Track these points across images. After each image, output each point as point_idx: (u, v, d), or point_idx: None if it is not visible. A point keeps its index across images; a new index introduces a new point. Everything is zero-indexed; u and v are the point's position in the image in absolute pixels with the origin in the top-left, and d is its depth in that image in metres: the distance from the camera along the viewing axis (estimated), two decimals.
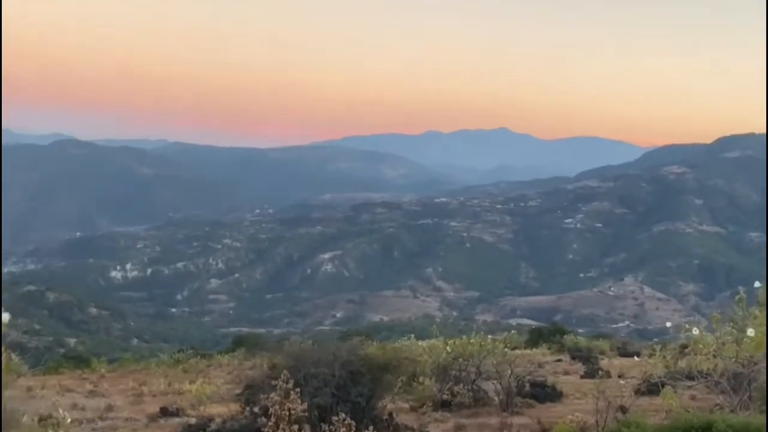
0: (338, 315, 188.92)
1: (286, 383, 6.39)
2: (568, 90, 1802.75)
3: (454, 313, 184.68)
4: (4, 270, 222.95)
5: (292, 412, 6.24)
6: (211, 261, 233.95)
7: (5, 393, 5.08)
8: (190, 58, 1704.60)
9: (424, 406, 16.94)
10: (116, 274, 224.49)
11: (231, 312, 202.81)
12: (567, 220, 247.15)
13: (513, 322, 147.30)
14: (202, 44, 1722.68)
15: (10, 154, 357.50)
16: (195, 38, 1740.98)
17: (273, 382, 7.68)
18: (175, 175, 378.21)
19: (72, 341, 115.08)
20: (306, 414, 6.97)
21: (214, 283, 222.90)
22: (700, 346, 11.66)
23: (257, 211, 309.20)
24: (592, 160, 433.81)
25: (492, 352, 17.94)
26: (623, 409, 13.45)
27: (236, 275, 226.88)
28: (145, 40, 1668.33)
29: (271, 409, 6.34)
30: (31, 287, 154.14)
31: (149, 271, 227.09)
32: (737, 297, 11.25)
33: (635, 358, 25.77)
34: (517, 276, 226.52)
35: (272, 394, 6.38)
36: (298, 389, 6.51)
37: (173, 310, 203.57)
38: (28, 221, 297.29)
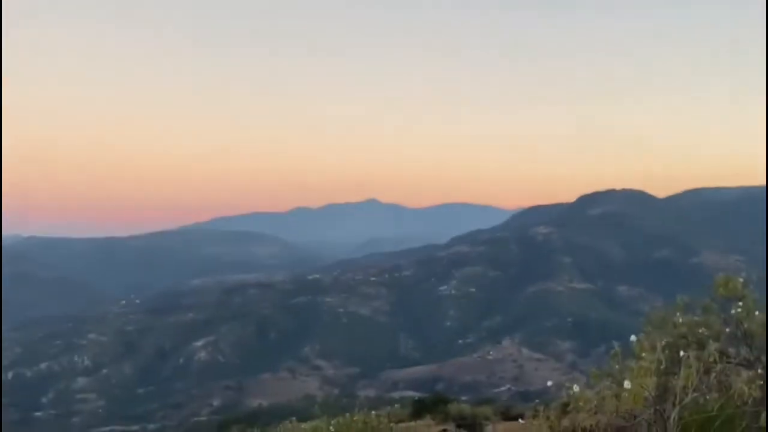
0: (215, 403, 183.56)
1: None
2: (432, 158, 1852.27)
3: (336, 391, 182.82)
4: None
5: None
6: (76, 358, 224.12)
7: None
8: (36, 142, 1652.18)
9: None
10: None
11: (101, 410, 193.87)
12: (442, 287, 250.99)
13: (396, 395, 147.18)
14: (48, 124, 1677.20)
15: None
16: (42, 117, 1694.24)
17: None
18: (30, 272, 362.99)
19: None
20: None
21: (81, 381, 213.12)
22: (581, 403, 11.74)
23: (123, 302, 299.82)
24: (462, 226, 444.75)
25: (377, 428, 17.63)
26: None
27: (104, 371, 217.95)
28: None
29: None
30: None
31: (10, 374, 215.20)
32: (612, 351, 11.43)
33: (519, 420, 25.93)
34: (396, 348, 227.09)
35: None
36: None
37: (38, 413, 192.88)
38: None
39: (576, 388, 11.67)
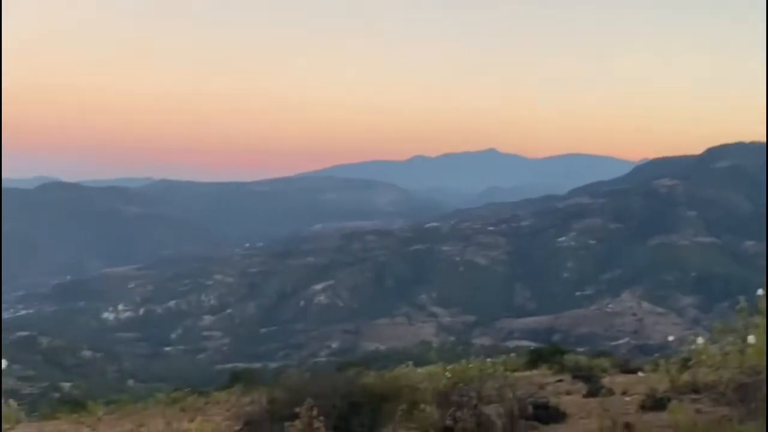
0: (334, 346, 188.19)
1: (310, 411, 6.30)
2: (554, 107, 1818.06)
3: (451, 338, 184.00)
4: None
5: None
6: (203, 297, 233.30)
7: None
8: (171, 92, 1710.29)
9: None
10: (108, 315, 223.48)
11: (225, 348, 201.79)
12: (560, 239, 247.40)
13: (511, 344, 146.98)
14: (182, 78, 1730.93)
15: None
16: (174, 69, 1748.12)
17: (297, 410, 7.53)
18: (162, 214, 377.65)
19: (67, 385, 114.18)
20: None
21: (207, 319, 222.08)
22: (704, 357, 11.51)
23: (247, 245, 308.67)
24: (582, 177, 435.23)
25: (492, 375, 17.70)
26: (629, 426, 13.24)
27: (229, 311, 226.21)
28: (125, 76, 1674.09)
29: None
30: (23, 333, 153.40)
31: (142, 311, 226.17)
32: (738, 306, 11.12)
33: (638, 374, 25.56)
34: (512, 297, 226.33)
35: (296, 422, 6.26)
36: (322, 417, 6.43)
37: (168, 348, 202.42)
38: (17, 267, 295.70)
39: (700, 341, 11.47)
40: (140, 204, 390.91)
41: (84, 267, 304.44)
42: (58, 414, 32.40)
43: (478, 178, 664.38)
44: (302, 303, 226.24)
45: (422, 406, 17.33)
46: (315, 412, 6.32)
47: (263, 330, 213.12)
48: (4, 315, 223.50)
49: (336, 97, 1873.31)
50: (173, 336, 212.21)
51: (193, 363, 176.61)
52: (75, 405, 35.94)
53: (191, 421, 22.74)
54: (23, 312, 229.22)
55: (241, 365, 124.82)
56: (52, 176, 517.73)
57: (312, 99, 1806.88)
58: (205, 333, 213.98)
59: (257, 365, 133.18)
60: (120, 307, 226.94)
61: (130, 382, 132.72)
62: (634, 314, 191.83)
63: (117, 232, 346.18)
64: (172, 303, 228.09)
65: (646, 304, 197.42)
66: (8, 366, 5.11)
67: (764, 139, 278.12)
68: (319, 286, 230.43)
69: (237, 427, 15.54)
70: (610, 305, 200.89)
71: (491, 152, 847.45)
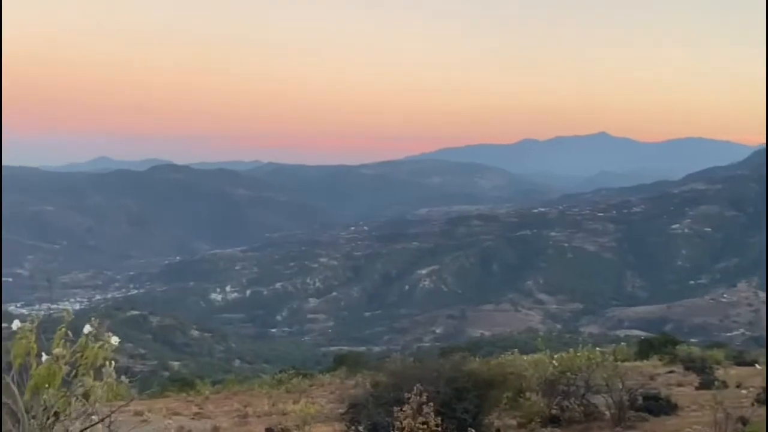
0: (438, 331, 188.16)
1: (419, 397, 6.10)
2: (668, 89, 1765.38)
3: (558, 326, 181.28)
4: (108, 295, 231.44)
5: (429, 426, 5.93)
6: (308, 280, 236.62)
7: (117, 418, 4.89)
8: (279, 76, 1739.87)
9: (532, 422, 16.34)
10: (216, 296, 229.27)
11: (330, 331, 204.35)
12: (674, 226, 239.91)
13: (620, 333, 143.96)
14: (290, 61, 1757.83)
15: (109, 181, 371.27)
16: (283, 55, 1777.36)
17: (406, 395, 7.34)
18: (269, 196, 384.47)
19: (176, 364, 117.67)
20: (440, 428, 6.61)
21: (312, 302, 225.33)
22: None
23: (352, 228, 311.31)
24: (697, 162, 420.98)
25: (601, 364, 17.22)
26: (744, 421, 12.63)
27: (334, 294, 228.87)
28: (233, 59, 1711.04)
29: (403, 422, 6.04)
30: (135, 312, 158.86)
31: (248, 292, 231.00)
32: None
33: (755, 366, 24.50)
34: (622, 285, 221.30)
35: (404, 407, 6.09)
36: (431, 403, 6.23)
37: (273, 330, 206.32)
38: (129, 247, 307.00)
39: None
40: (248, 187, 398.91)
41: (193, 248, 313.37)
42: (168, 392, 33.37)
43: (589, 162, 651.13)
44: (407, 287, 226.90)
45: (528, 394, 17.00)
46: (424, 397, 6.10)
47: (367, 314, 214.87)
48: (117, 294, 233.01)
49: (444, 81, 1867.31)
50: (278, 318, 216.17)
51: (298, 345, 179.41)
52: (184, 383, 36.94)
53: (296, 402, 23.05)
54: (135, 291, 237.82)
55: (345, 348, 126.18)
56: (164, 158, 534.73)
57: (420, 83, 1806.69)
58: (310, 315, 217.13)
59: (361, 349, 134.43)
60: (227, 288, 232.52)
61: (236, 363, 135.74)
62: (750, 305, 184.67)
63: (225, 214, 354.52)
64: (278, 285, 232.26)
65: (762, 295, 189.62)
66: (121, 344, 5.03)
67: None
68: (423, 271, 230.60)
69: (341, 410, 15.56)
70: (725, 295, 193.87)
71: (602, 136, 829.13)
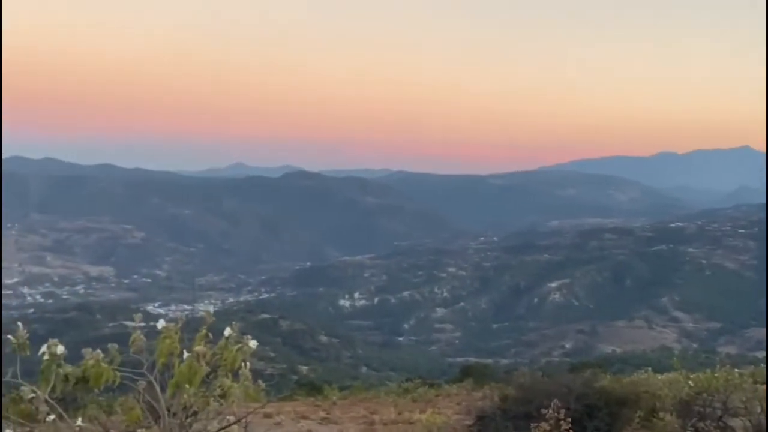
0: (567, 346, 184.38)
1: (557, 412, 5.98)
2: None
3: (694, 345, 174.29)
4: (240, 298, 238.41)
5: None
6: (436, 290, 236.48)
7: (251, 420, 5.02)
8: (413, 83, 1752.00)
9: None
10: (345, 302, 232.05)
11: (457, 341, 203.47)
12: None
13: (759, 354, 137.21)
14: (426, 74, 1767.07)
15: (244, 187, 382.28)
16: (420, 62, 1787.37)
17: (542, 411, 7.21)
18: (398, 204, 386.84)
19: (304, 368, 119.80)
20: None
21: (439, 312, 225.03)
22: None
23: (481, 238, 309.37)
24: None
25: (740, 387, 16.42)
26: None
27: (461, 304, 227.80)
28: (368, 65, 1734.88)
29: None
30: (265, 315, 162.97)
31: (376, 299, 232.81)
32: None
33: None
34: (763, 305, 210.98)
35: (541, 423, 5.99)
36: (569, 419, 6.09)
37: (400, 338, 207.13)
38: (261, 252, 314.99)
39: None
40: (378, 194, 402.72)
41: (323, 254, 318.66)
42: (297, 396, 34.00)
43: (729, 176, 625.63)
44: (536, 300, 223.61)
45: (661, 414, 16.40)
46: (562, 414, 5.96)
47: (495, 325, 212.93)
48: (249, 297, 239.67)
49: (579, 92, 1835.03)
50: (406, 326, 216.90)
51: (425, 354, 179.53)
52: (312, 388, 37.58)
53: (422, 412, 23.05)
54: (266, 295, 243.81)
55: (471, 359, 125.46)
56: (296, 165, 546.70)
57: (553, 94, 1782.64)
58: (437, 325, 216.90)
59: (488, 361, 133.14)
60: (356, 294, 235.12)
61: (363, 369, 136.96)
62: None
63: (355, 221, 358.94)
64: (405, 293, 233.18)
65: None
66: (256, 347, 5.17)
67: None
68: (554, 284, 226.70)
69: (468, 422, 15.42)
70: None
71: (744, 149, 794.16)
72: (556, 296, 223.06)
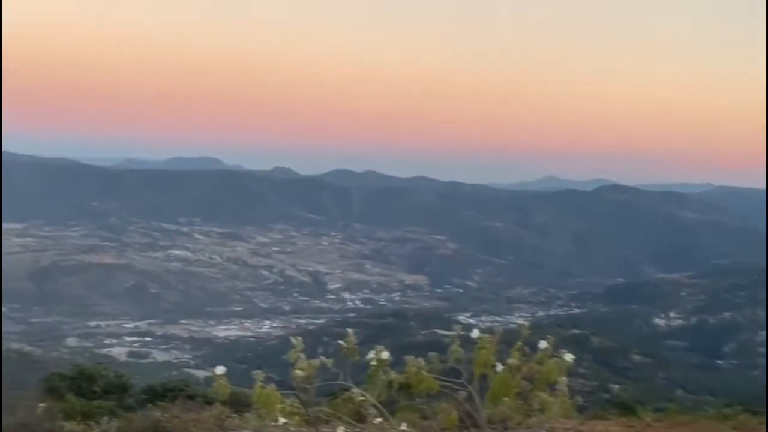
0: None
1: None
2: None
3: None
4: (551, 312, 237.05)
5: None
6: (758, 311, 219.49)
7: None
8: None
9: None
10: (659, 321, 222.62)
11: None
12: None
13: None
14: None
15: (556, 200, 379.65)
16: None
17: None
18: (719, 221, 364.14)
19: (615, 387, 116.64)
20: None
21: (763, 335, 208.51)
22: None
23: None
24: None
25: None
26: None
27: None
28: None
29: None
30: (576, 331, 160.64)
31: (693, 319, 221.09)
32: None
33: None
34: None
35: None
36: None
37: (719, 361, 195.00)
38: (572, 266, 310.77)
39: None
40: (697, 210, 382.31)
41: (637, 270, 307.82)
42: (608, 415, 33.15)
43: None
44: None
45: None
46: None
47: None
48: (559, 312, 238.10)
49: None
50: (726, 349, 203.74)
51: (747, 379, 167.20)
52: (624, 408, 36.47)
53: None
54: (576, 310, 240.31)
55: None
56: (609, 179, 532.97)
57: None
58: (761, 349, 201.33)
59: None
60: (671, 314, 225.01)
61: (679, 392, 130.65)
62: None
63: (672, 237, 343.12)
64: (726, 314, 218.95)
65: None
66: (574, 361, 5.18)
67: None
68: None
69: None
70: None
71: None
72: None
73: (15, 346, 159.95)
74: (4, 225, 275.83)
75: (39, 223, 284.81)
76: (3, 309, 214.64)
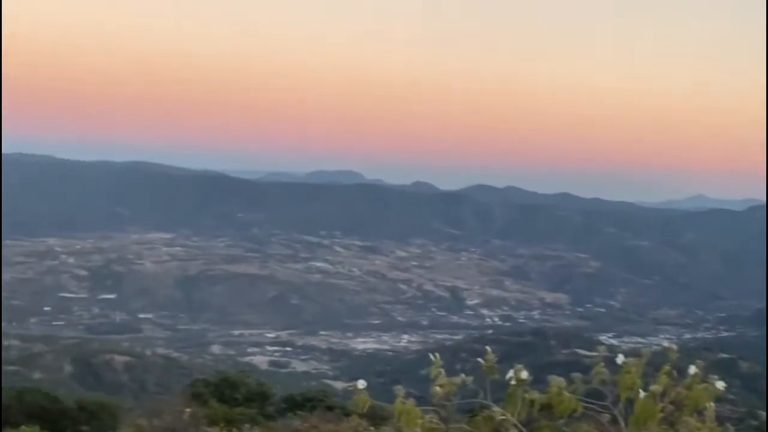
0: None
1: None
2: None
3: None
4: (698, 335, 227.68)
5: None
6: None
7: None
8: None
9: None
10: None
11: None
12: None
13: None
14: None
15: (704, 219, 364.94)
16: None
17: None
18: None
19: (764, 414, 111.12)
20: None
21: None
22: None
23: None
24: None
25: None
26: None
27: None
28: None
29: None
30: (724, 355, 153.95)
31: None
32: None
33: None
34: None
35: None
36: None
37: None
38: (720, 287, 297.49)
39: None
40: None
41: None
42: None
43: None
44: None
45: None
46: None
47: None
48: (707, 335, 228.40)
49: None
50: None
51: None
52: None
53: None
54: (725, 333, 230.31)
55: None
56: (761, 199, 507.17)
57: None
58: None
59: None
60: None
61: None
62: None
63: None
64: None
65: None
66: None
67: None
68: None
69: None
70: None
71: None
72: None
73: (162, 351, 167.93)
74: (154, 234, 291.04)
75: (187, 233, 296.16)
76: (151, 316, 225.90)
